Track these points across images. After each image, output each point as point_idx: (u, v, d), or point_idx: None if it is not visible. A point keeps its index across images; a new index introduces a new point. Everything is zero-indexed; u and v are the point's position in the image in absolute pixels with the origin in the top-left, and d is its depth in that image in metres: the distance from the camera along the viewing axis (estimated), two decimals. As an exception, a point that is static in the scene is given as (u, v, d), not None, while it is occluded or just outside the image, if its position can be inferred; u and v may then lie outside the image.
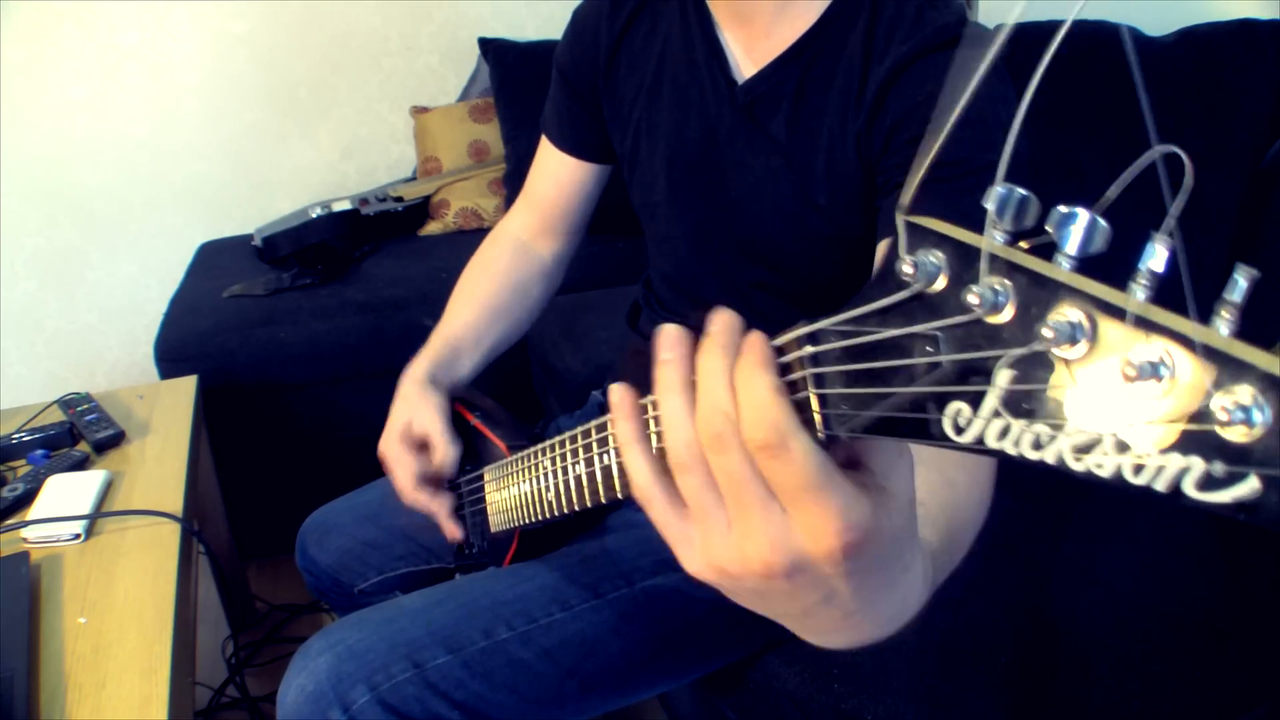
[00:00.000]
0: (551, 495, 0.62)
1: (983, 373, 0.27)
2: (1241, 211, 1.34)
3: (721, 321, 0.36)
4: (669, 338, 0.38)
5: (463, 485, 0.91)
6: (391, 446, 0.91)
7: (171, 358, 1.72)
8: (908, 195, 0.29)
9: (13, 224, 2.19)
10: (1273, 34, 1.36)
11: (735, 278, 0.86)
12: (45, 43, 2.10)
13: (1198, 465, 0.22)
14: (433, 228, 2.22)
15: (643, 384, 1.07)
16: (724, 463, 0.34)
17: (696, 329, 1.02)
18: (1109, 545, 1.01)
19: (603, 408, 1.10)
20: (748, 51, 0.81)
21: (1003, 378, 0.26)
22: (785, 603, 0.37)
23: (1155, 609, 0.92)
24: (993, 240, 0.27)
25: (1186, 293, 0.23)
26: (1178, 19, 1.48)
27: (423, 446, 0.92)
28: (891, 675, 0.85)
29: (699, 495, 0.36)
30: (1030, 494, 1.10)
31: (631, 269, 1.08)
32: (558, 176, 1.02)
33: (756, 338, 0.35)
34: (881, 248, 0.74)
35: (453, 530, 0.92)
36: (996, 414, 0.26)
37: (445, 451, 0.89)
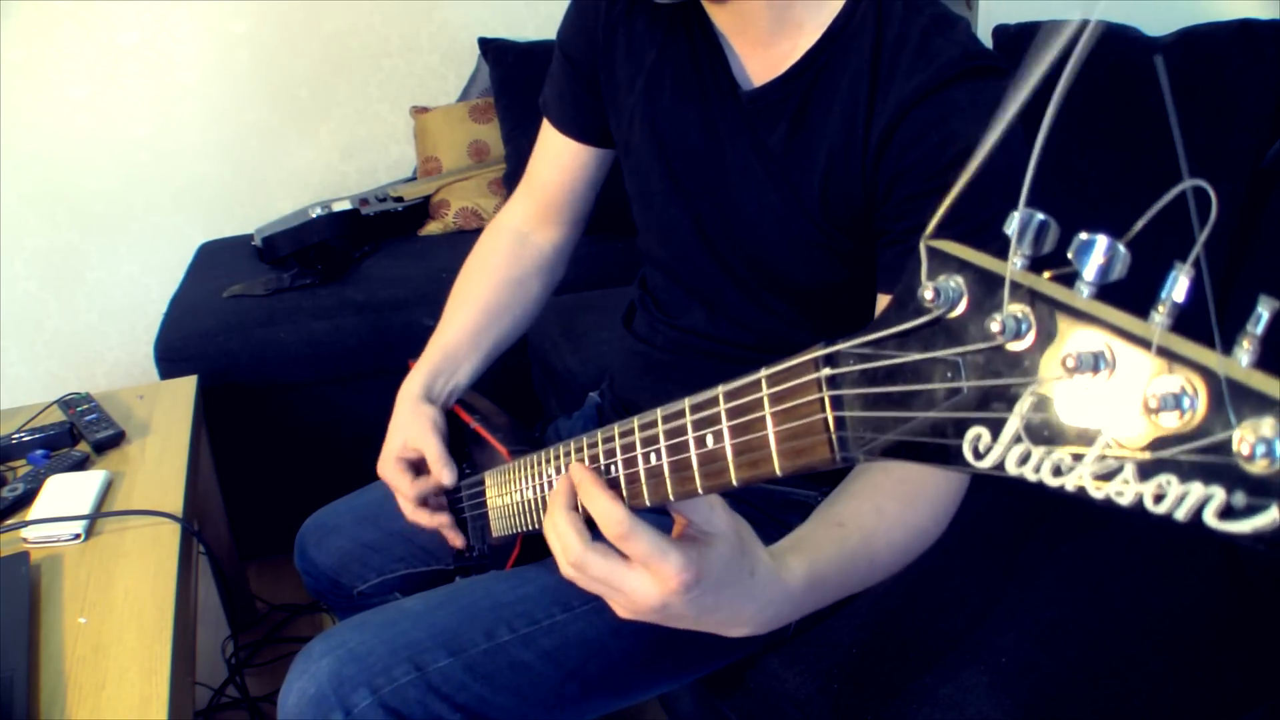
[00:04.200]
0: None
1: (1004, 399, 0.27)
2: (1241, 211, 1.34)
3: (561, 481, 0.55)
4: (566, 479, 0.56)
5: (462, 489, 0.91)
6: (388, 470, 0.92)
7: (171, 358, 1.72)
8: (931, 228, 0.30)
9: (13, 224, 2.19)
10: (1273, 34, 1.35)
11: (745, 278, 0.86)
12: (45, 43, 2.10)
13: (1219, 495, 0.22)
14: (433, 228, 2.23)
15: (637, 383, 1.06)
16: (591, 573, 0.52)
17: (689, 331, 1.01)
18: (1108, 545, 1.01)
19: (601, 410, 1.09)
20: (748, 58, 0.80)
21: (1024, 405, 0.26)
22: (679, 623, 0.54)
23: (1155, 609, 0.92)
24: (1013, 266, 0.27)
25: (1213, 323, 0.23)
26: (1178, 19, 1.48)
27: (420, 465, 0.92)
28: (891, 675, 0.85)
29: (593, 586, 0.54)
30: (1030, 494, 1.10)
31: (631, 269, 1.07)
32: (559, 160, 1.00)
33: (585, 473, 0.53)
34: (884, 301, 0.74)
35: (458, 540, 0.93)
36: (1017, 440, 0.27)
37: (442, 473, 0.89)
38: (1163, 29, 1.48)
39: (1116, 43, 1.43)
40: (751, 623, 0.56)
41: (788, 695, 0.88)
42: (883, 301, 0.75)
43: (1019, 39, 1.57)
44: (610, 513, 0.50)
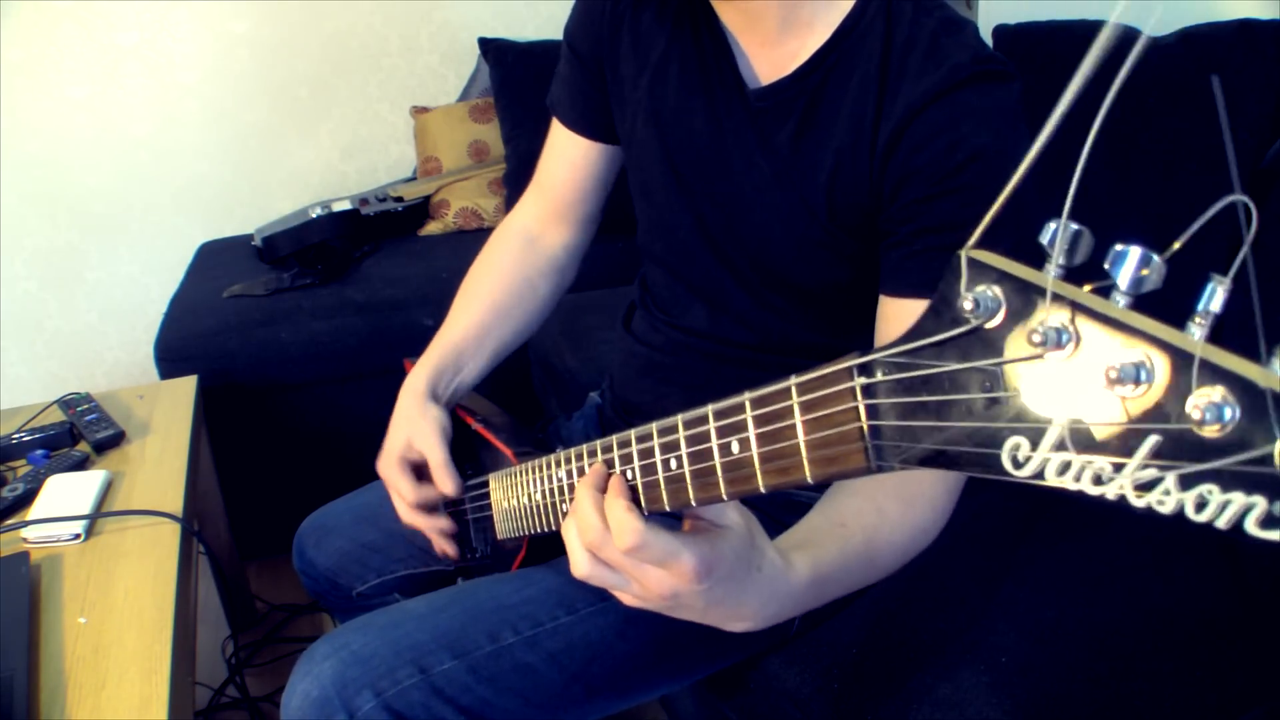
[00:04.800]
0: (567, 507, 0.62)
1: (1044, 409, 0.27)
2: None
3: (593, 469, 0.56)
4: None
5: (466, 490, 0.91)
6: (389, 469, 0.90)
7: (171, 358, 1.72)
8: (974, 238, 0.30)
9: (13, 224, 2.18)
10: (1273, 34, 1.35)
11: (748, 276, 0.86)
12: (45, 43, 2.10)
13: (1261, 503, 0.22)
14: (433, 228, 2.22)
15: (637, 384, 1.06)
16: (605, 557, 0.53)
17: (690, 331, 1.01)
18: (1108, 545, 1.01)
19: (601, 411, 1.09)
20: (755, 57, 0.80)
21: (1064, 415, 0.26)
22: (685, 613, 0.55)
23: (1155, 609, 0.92)
24: (1052, 277, 0.27)
25: (1259, 335, 0.23)
26: (1178, 19, 1.48)
27: (421, 468, 0.90)
28: (891, 675, 0.85)
29: (603, 581, 0.55)
30: (1029, 494, 1.10)
31: (631, 269, 1.07)
32: (569, 158, 0.99)
33: (614, 477, 0.54)
34: (888, 304, 0.74)
35: (447, 550, 0.92)
36: (1058, 449, 0.27)
37: (445, 483, 0.87)
38: (1163, 29, 1.48)
39: (1121, 44, 1.43)
40: (755, 617, 0.57)
41: (788, 695, 0.88)
42: (883, 303, 0.75)
43: (1019, 39, 1.58)
44: (625, 523, 0.50)
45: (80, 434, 1.27)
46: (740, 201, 0.82)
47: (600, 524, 0.52)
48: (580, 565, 0.54)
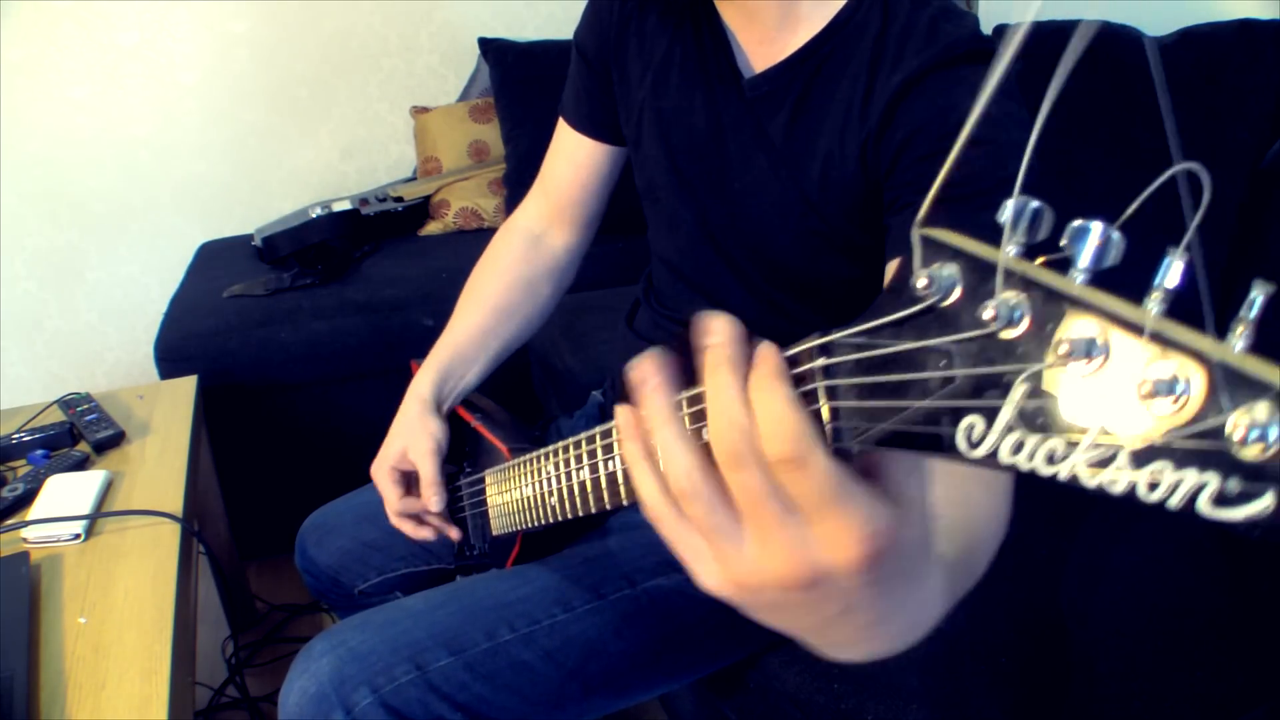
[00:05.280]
0: (555, 500, 0.62)
1: (998, 387, 0.27)
2: (1241, 211, 1.34)
3: (725, 332, 0.35)
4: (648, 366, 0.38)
5: (463, 487, 0.91)
6: (381, 475, 0.93)
7: (171, 358, 1.72)
8: (923, 212, 0.29)
9: (13, 224, 2.19)
10: (1273, 34, 1.36)
11: (749, 273, 0.86)
12: (45, 43, 2.10)
13: (1213, 482, 0.22)
14: (433, 228, 2.23)
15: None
16: (742, 479, 0.34)
17: (688, 325, 1.01)
18: (1110, 545, 1.01)
19: (603, 409, 1.09)
20: (753, 51, 0.80)
21: (1018, 393, 0.26)
22: (803, 615, 0.37)
23: (1156, 609, 0.92)
24: (1007, 254, 0.27)
25: (1205, 309, 0.23)
26: (1178, 19, 1.48)
27: (412, 477, 0.93)
28: (891, 675, 0.85)
29: (712, 514, 0.35)
30: (1030, 494, 1.10)
31: (631, 269, 1.07)
32: (574, 159, 1.01)
33: (767, 348, 0.35)
34: (892, 267, 0.74)
35: (453, 533, 0.94)
36: (1011, 429, 0.26)
37: (430, 499, 0.90)
38: (1163, 29, 1.48)
39: (1116, 42, 1.43)
40: (875, 641, 0.40)
41: (788, 695, 0.88)
42: (890, 268, 0.75)
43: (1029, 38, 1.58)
44: (786, 415, 0.32)
45: (80, 434, 1.27)
46: (738, 195, 0.82)
47: (746, 417, 0.34)
48: (696, 490, 0.35)
